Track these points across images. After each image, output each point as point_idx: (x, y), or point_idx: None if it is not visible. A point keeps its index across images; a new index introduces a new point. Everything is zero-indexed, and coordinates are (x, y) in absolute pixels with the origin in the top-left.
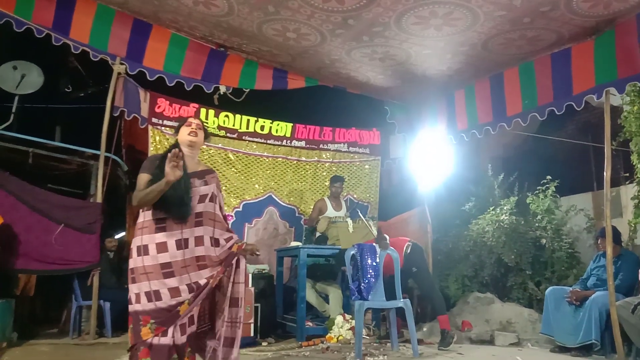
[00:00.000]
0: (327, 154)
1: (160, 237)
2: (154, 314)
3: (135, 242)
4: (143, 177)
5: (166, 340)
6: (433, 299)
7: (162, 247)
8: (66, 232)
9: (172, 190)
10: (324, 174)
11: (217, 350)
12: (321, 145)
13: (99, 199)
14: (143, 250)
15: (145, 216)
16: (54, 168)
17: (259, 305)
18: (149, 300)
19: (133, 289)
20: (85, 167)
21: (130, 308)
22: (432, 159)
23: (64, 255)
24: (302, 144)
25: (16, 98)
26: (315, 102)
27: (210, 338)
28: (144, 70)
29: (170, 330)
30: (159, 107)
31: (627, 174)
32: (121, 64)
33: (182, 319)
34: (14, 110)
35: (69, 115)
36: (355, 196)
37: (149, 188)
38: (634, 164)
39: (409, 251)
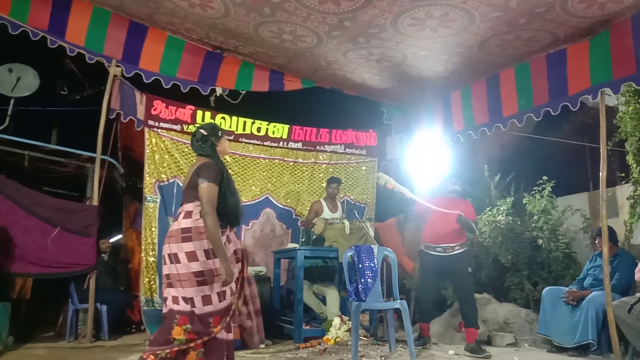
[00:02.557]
0: (324, 156)
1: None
2: (219, 313)
3: (201, 246)
4: (215, 189)
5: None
6: (472, 306)
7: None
8: (62, 235)
9: (234, 198)
10: (321, 175)
11: None
12: (318, 147)
13: (95, 201)
14: (212, 253)
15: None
16: (50, 171)
17: None
18: (220, 300)
19: (204, 290)
20: (81, 169)
21: (198, 310)
22: (429, 160)
23: (60, 258)
24: (299, 145)
25: (12, 101)
26: (311, 103)
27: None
28: (140, 73)
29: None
30: (155, 109)
31: (623, 174)
32: (117, 66)
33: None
34: (9, 113)
35: (65, 117)
36: (352, 197)
37: (220, 244)
38: (629, 164)
39: (465, 249)
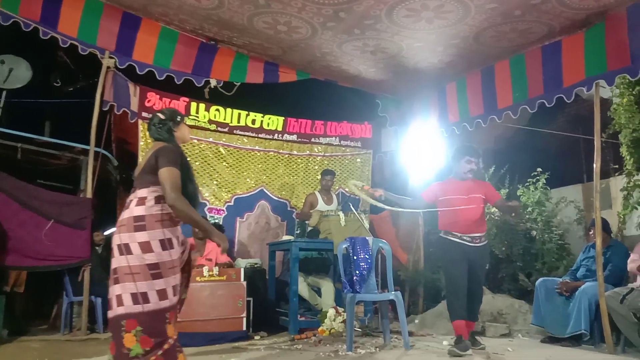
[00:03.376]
0: (319, 148)
1: (177, 231)
2: (174, 308)
3: (156, 235)
4: (178, 173)
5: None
6: (480, 303)
7: (179, 242)
8: (57, 228)
9: (193, 185)
10: (316, 167)
11: None
12: (313, 139)
13: (89, 194)
14: (168, 243)
15: (163, 208)
16: (43, 163)
17: (251, 299)
18: (174, 294)
19: (159, 284)
20: (75, 162)
21: (154, 306)
22: (424, 151)
23: (54, 251)
24: (294, 137)
25: (4, 93)
26: (306, 95)
27: None
28: (134, 64)
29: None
30: (148, 101)
31: (617, 166)
32: (110, 57)
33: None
34: (1, 105)
35: (58, 110)
36: (347, 190)
37: (198, 217)
38: (623, 155)
39: (485, 242)
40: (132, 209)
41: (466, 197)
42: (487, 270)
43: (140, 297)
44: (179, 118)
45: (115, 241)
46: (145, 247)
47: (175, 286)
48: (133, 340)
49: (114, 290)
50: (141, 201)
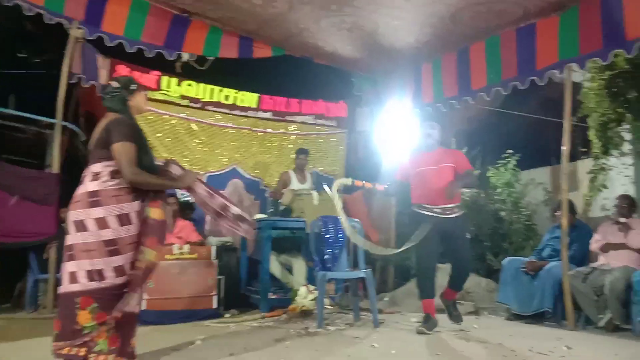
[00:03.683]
0: (294, 126)
1: (137, 206)
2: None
3: (112, 211)
4: (133, 147)
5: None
6: (467, 274)
7: (139, 217)
8: (21, 204)
9: (148, 157)
10: (290, 146)
11: None
12: (287, 117)
13: (56, 169)
14: (126, 219)
15: (119, 183)
16: (8, 137)
17: (222, 277)
18: (132, 268)
19: (116, 261)
20: (41, 136)
21: (110, 282)
22: (398, 132)
23: (19, 227)
24: (268, 115)
25: None
26: (282, 72)
27: None
28: (103, 36)
29: None
30: (118, 74)
31: (585, 149)
32: (79, 28)
33: None
34: None
35: (23, 82)
36: (321, 169)
37: (161, 181)
38: (590, 139)
39: (463, 211)
40: (87, 185)
41: (435, 167)
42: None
43: (95, 274)
44: (133, 86)
45: (71, 217)
46: (101, 223)
47: (133, 261)
48: (88, 317)
49: (67, 267)
50: (95, 176)
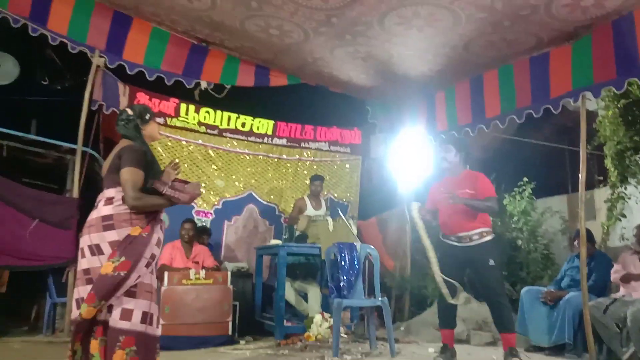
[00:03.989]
0: (308, 153)
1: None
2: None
3: (124, 234)
4: (140, 174)
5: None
6: (502, 307)
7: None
8: (41, 227)
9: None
10: (305, 172)
11: None
12: (302, 144)
13: (76, 194)
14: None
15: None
16: (29, 162)
17: (237, 303)
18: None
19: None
20: (61, 161)
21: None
22: (412, 159)
23: (38, 250)
24: (284, 141)
25: None
26: (297, 100)
27: None
28: (124, 64)
29: None
30: (138, 101)
31: (601, 177)
32: (100, 56)
33: None
34: None
35: (45, 108)
36: (335, 195)
37: (158, 201)
38: (607, 167)
39: (488, 238)
40: (100, 209)
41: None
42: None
43: None
44: (147, 116)
45: (85, 242)
46: (115, 246)
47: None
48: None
49: (85, 290)
50: (109, 201)
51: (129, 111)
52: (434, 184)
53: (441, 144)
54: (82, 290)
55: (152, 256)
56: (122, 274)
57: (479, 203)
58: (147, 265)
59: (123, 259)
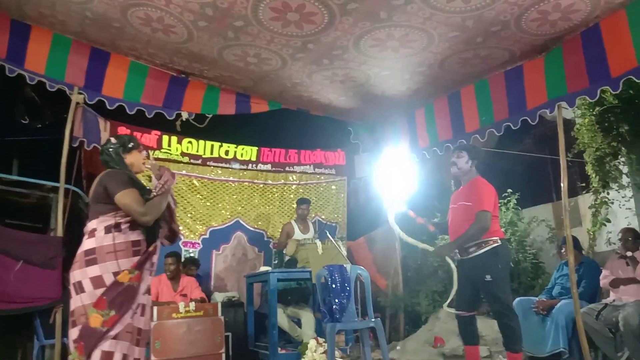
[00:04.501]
0: (294, 176)
1: (135, 261)
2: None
3: (108, 268)
4: (135, 192)
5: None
6: (503, 323)
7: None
8: (26, 268)
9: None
10: (291, 196)
11: None
12: (287, 168)
13: (60, 232)
14: None
15: (115, 238)
16: (11, 202)
17: (229, 334)
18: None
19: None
20: (45, 200)
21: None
22: (397, 177)
23: (23, 292)
24: (268, 167)
25: None
26: (279, 125)
27: None
28: (104, 99)
29: None
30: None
31: (584, 184)
32: (79, 93)
33: None
34: None
35: (26, 147)
36: (323, 217)
37: (159, 200)
38: (589, 174)
39: (487, 248)
40: (84, 243)
41: (455, 205)
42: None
43: None
44: (131, 144)
45: (71, 280)
46: (97, 282)
47: (134, 316)
48: None
49: (71, 334)
50: (91, 234)
51: (113, 140)
52: (454, 192)
53: (454, 149)
54: (72, 333)
55: (138, 305)
56: (109, 328)
57: (464, 237)
58: (132, 315)
59: (113, 313)
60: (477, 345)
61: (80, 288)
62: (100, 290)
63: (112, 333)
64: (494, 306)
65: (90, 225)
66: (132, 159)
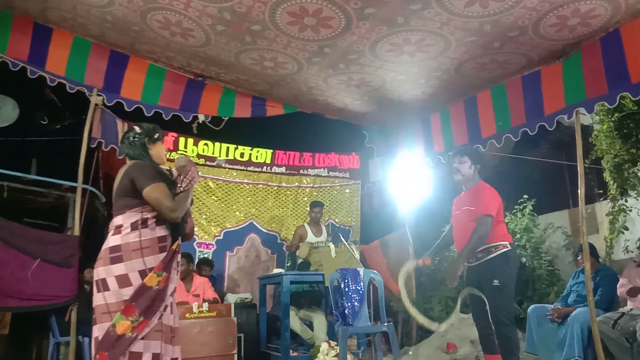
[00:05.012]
0: (308, 179)
1: (161, 258)
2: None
3: (134, 267)
4: (164, 186)
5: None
6: (502, 333)
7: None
8: (43, 266)
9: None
10: (305, 199)
11: None
12: (301, 171)
13: (77, 231)
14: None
15: (142, 234)
16: (30, 202)
17: (242, 335)
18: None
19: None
20: (62, 199)
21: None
22: (411, 181)
23: (40, 290)
24: (283, 169)
25: None
26: (294, 128)
27: None
28: (122, 101)
29: None
30: None
31: (601, 191)
32: (98, 95)
33: None
34: None
35: (45, 147)
36: (336, 220)
37: (184, 195)
38: (606, 180)
39: (496, 253)
40: (108, 240)
41: (459, 211)
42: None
43: None
44: (156, 135)
45: (94, 277)
46: (123, 281)
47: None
48: None
49: (94, 332)
50: (117, 230)
51: (137, 129)
52: (455, 198)
53: (455, 155)
54: (93, 330)
55: (165, 307)
56: (139, 333)
57: (468, 247)
58: (160, 316)
59: (142, 319)
60: (498, 354)
61: (104, 286)
62: (126, 290)
63: (141, 336)
64: (496, 313)
65: (116, 221)
66: (157, 150)
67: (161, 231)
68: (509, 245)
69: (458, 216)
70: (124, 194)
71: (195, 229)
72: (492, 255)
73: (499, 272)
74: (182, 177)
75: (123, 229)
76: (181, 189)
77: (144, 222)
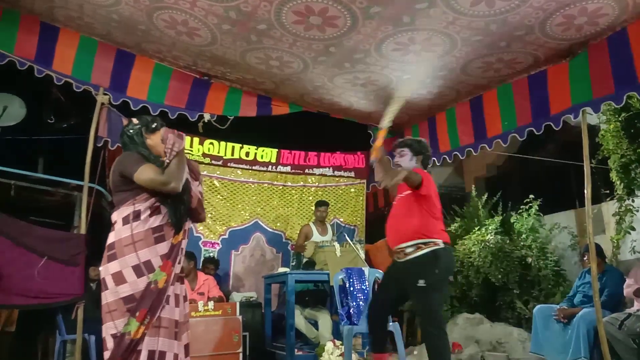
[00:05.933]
0: (313, 179)
1: (163, 248)
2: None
3: (127, 262)
4: (152, 165)
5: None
6: (429, 338)
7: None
8: (49, 265)
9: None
10: (310, 198)
11: None
12: (306, 170)
13: (83, 230)
14: (145, 267)
15: (133, 228)
16: (36, 200)
17: (247, 334)
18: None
19: None
20: (68, 198)
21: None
22: None
23: (47, 288)
24: (288, 169)
25: None
26: (299, 127)
27: None
28: (128, 100)
29: None
30: None
31: (608, 191)
32: (104, 94)
33: None
34: None
35: (52, 146)
36: (342, 220)
37: (173, 163)
38: (613, 180)
39: (426, 250)
40: (108, 238)
41: (396, 201)
42: (484, 299)
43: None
44: (154, 125)
45: (100, 277)
46: (118, 278)
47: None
48: None
49: (102, 331)
50: (112, 227)
51: (135, 120)
52: None
53: (395, 147)
54: (103, 329)
55: (167, 297)
56: (145, 332)
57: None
58: (161, 309)
59: (149, 317)
60: (386, 353)
61: (104, 285)
62: (122, 287)
63: (147, 332)
64: (422, 320)
65: (112, 217)
66: (156, 139)
67: (156, 221)
68: (441, 244)
69: (394, 207)
70: (116, 189)
71: (201, 227)
72: (420, 253)
73: (425, 272)
74: (164, 150)
75: (116, 225)
76: (167, 160)
77: (137, 215)
